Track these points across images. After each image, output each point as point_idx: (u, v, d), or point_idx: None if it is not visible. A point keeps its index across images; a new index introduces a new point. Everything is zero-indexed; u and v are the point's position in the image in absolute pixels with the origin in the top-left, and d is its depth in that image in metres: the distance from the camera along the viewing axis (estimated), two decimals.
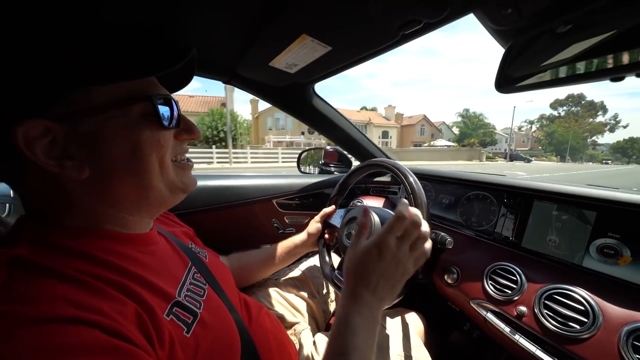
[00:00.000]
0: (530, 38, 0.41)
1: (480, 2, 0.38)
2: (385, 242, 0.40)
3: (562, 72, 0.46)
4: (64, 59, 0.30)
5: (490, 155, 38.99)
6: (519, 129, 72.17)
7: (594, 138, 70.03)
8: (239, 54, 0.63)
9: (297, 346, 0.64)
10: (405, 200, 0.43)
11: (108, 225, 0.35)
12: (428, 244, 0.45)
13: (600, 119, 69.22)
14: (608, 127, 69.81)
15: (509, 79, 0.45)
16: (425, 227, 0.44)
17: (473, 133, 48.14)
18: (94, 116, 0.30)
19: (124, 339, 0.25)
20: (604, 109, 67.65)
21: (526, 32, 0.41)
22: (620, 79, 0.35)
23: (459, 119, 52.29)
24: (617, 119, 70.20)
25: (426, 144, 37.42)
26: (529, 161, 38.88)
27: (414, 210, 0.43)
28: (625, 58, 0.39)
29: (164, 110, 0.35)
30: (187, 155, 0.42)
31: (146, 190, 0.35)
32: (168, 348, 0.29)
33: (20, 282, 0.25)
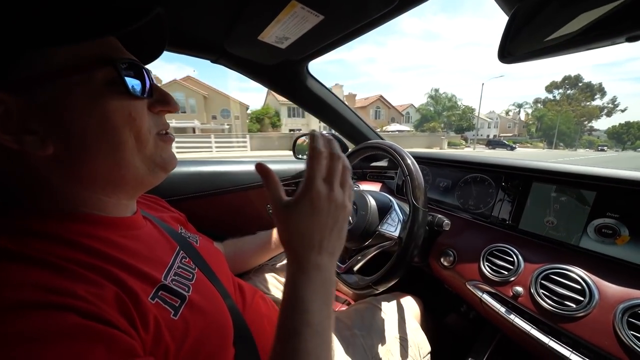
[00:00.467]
0: (534, 4, 0.38)
1: None
2: (314, 191, 0.34)
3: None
4: (9, 17, 0.26)
5: (460, 141, 33.26)
6: (507, 112, 65.74)
7: (592, 123, 65.57)
8: (227, 28, 0.59)
9: None
10: (318, 132, 0.36)
11: (85, 209, 0.33)
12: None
13: (597, 102, 64.66)
14: (605, 111, 65.57)
15: (513, 48, 0.42)
16: (344, 156, 0.37)
17: (436, 117, 42.07)
18: (51, 84, 0.27)
19: (102, 322, 0.23)
20: (602, 91, 64.47)
21: None
22: (637, 38, 0.32)
23: (429, 100, 43.51)
24: (616, 103, 65.85)
25: (379, 129, 33.77)
26: (512, 148, 35.65)
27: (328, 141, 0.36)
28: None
29: (131, 77, 0.31)
30: None
31: (120, 168, 0.32)
32: (153, 331, 0.28)
33: None
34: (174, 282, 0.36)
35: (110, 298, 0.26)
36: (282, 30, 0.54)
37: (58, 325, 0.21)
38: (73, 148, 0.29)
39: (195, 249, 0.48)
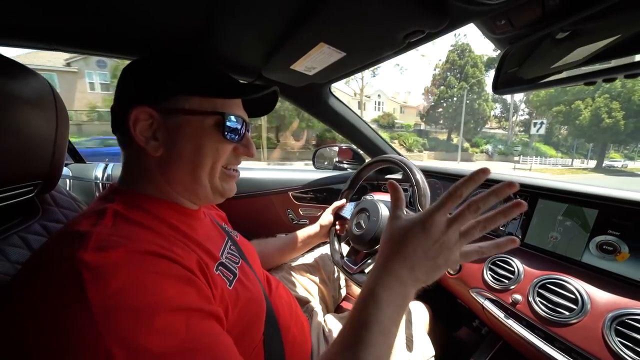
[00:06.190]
0: (524, 45, 0.46)
1: (476, 15, 0.43)
2: (432, 219, 0.35)
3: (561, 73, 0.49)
4: (174, 74, 0.42)
5: None
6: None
7: None
8: (265, 58, 0.72)
9: (310, 319, 0.72)
10: (478, 175, 0.35)
11: (169, 199, 0.44)
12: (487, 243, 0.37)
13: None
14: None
15: (505, 82, 0.49)
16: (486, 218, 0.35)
17: None
18: (181, 116, 0.41)
19: (193, 274, 0.34)
20: None
21: (520, 40, 0.45)
22: (634, 75, 0.37)
23: None
24: None
25: None
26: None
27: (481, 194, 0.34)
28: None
29: (232, 126, 0.44)
30: None
31: (195, 183, 0.44)
32: (219, 293, 0.38)
33: (123, 226, 0.34)
34: (227, 261, 0.46)
35: (194, 261, 0.36)
36: (311, 62, 0.65)
37: (171, 270, 0.31)
38: (172, 156, 0.41)
39: (236, 241, 0.58)
